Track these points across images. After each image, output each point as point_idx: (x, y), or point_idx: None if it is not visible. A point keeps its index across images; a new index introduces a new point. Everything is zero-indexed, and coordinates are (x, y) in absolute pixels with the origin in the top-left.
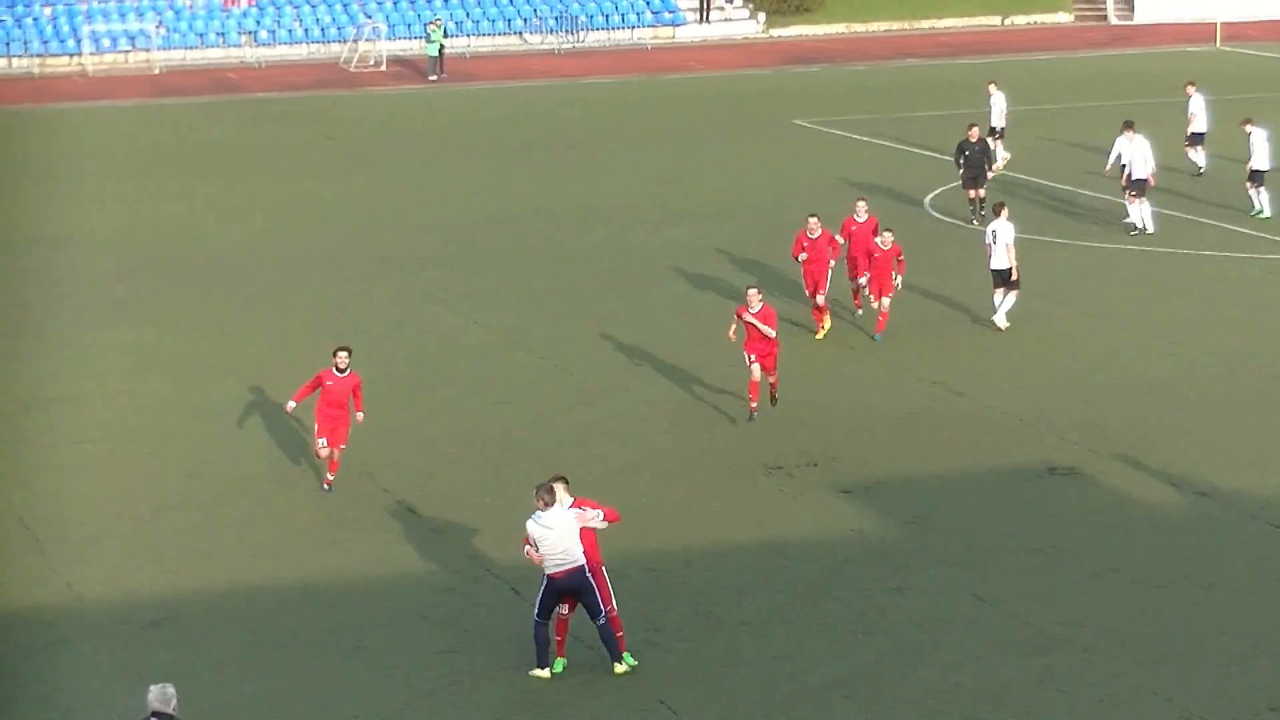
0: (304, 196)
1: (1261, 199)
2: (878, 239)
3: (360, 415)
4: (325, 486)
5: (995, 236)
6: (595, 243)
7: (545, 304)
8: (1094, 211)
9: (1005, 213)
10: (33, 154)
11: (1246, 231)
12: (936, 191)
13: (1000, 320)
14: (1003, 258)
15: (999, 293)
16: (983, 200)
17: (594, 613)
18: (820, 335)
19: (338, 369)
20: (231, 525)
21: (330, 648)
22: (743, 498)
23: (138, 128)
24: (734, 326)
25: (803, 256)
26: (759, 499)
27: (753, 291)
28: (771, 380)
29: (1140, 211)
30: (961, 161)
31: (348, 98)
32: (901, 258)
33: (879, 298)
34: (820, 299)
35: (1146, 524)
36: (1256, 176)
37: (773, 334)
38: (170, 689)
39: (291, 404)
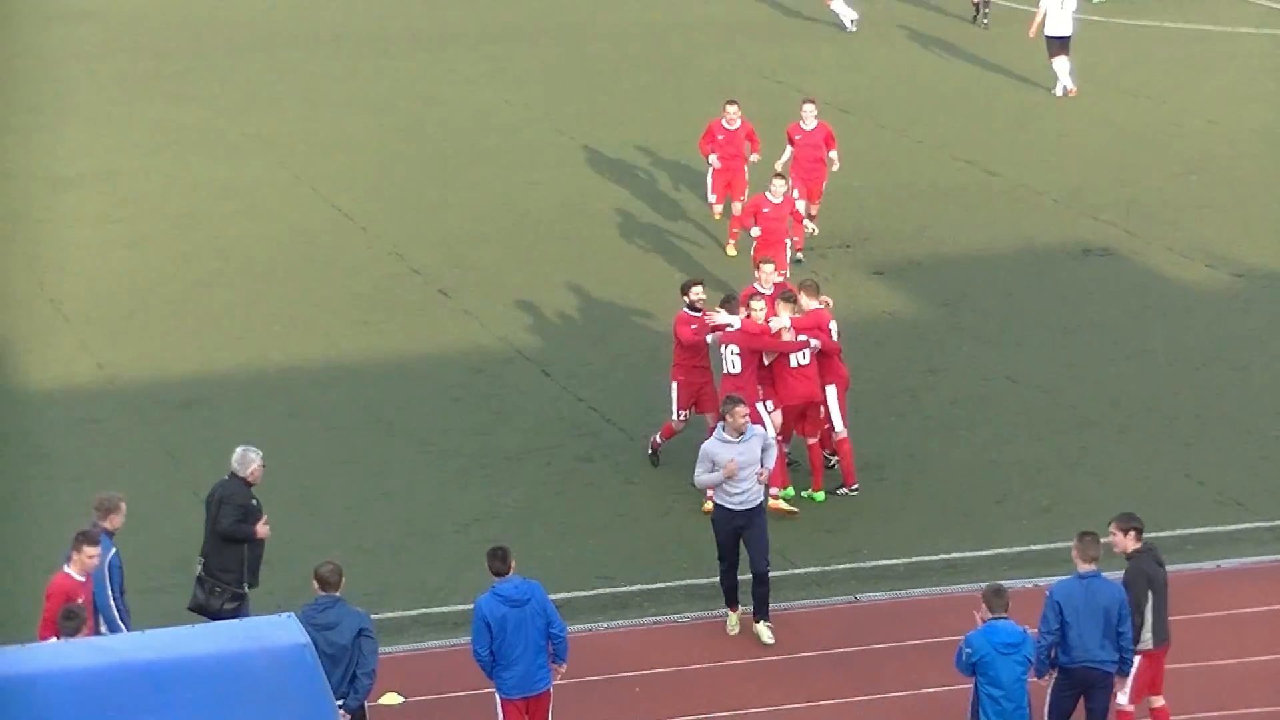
0: None
1: None
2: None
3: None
4: None
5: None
6: (621, 19)
7: (573, 81)
8: None
9: None
10: None
11: None
12: None
13: (1067, 83)
14: (1067, 22)
15: (1060, 60)
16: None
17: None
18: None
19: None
20: (263, 305)
21: (365, 424)
22: None
23: None
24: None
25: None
26: (793, 280)
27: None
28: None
29: None
30: None
31: None
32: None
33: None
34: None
35: (1182, 304)
36: None
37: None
38: (252, 453)
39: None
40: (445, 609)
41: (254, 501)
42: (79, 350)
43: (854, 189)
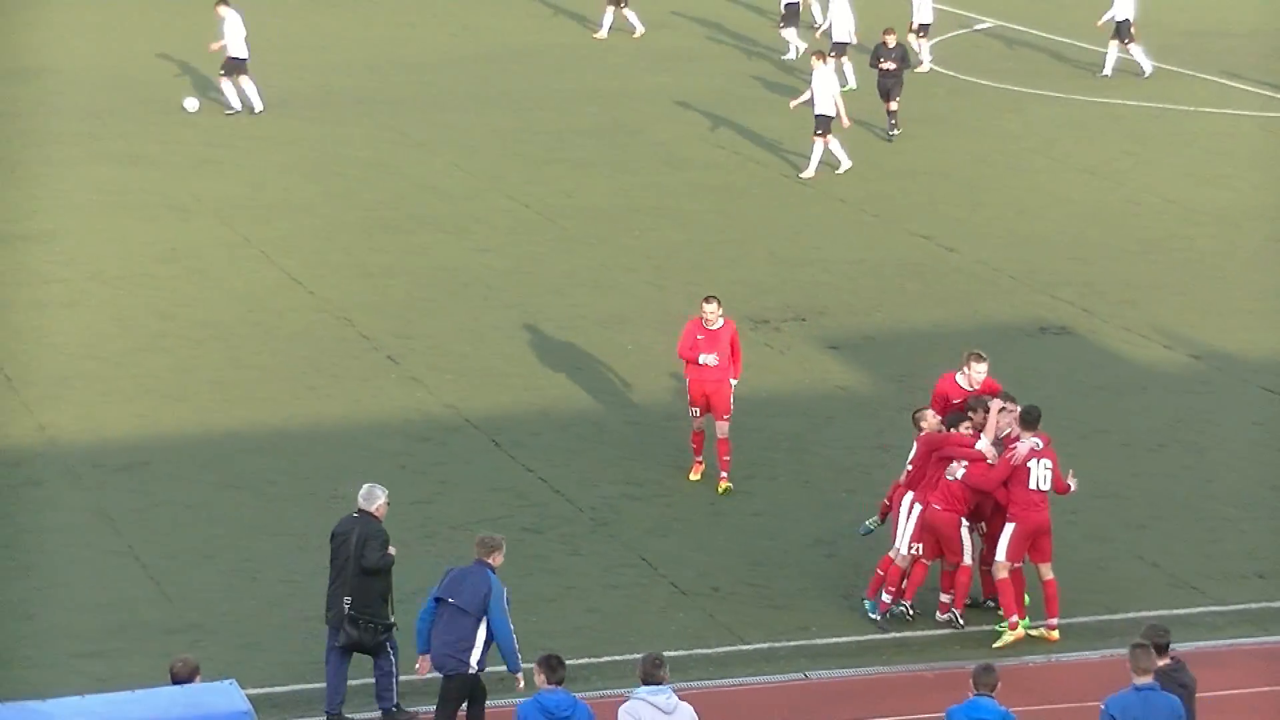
0: (274, 33)
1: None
2: None
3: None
4: None
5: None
6: (577, 86)
7: (523, 148)
8: (1090, 65)
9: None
10: None
11: (1245, 88)
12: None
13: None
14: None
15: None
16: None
17: None
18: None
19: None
20: (205, 369)
21: (305, 494)
22: None
23: None
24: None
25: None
26: (745, 352)
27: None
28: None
29: (1127, 55)
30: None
31: None
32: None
33: None
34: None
35: (1138, 385)
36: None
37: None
38: (378, 489)
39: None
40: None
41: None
42: (21, 411)
43: (810, 262)
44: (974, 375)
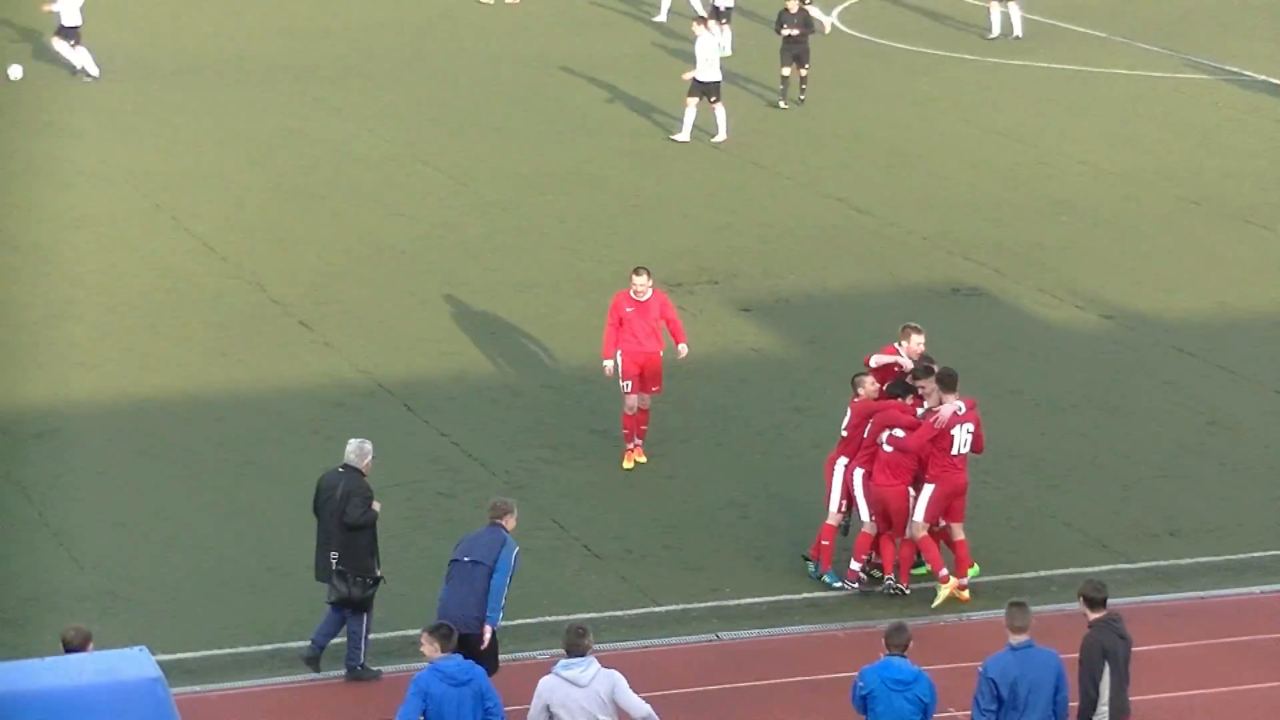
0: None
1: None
2: None
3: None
4: None
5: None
6: (494, 52)
7: (439, 114)
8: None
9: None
10: None
11: (1156, 49)
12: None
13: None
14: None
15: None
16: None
17: None
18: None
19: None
20: (118, 336)
21: (220, 461)
22: None
23: None
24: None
25: None
26: None
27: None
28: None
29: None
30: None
31: None
32: None
33: None
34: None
35: (1051, 346)
36: None
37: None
38: (367, 445)
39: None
40: (300, 644)
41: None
42: None
43: (723, 225)
44: (913, 347)
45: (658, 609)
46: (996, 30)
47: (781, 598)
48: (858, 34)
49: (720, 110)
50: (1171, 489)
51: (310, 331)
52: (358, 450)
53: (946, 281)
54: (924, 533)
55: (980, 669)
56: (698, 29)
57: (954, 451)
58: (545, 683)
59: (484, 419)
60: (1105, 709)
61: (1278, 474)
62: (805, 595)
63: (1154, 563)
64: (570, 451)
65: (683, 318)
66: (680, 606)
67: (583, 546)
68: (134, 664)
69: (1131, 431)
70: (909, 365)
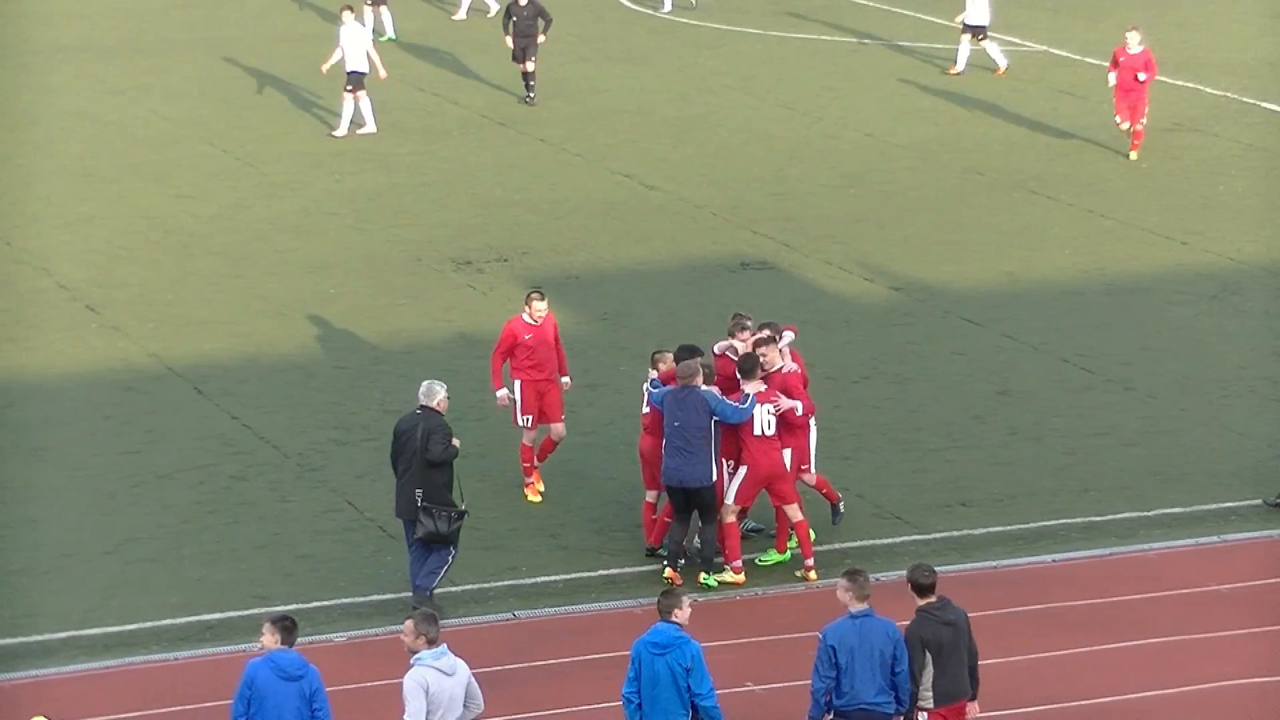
0: None
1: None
2: None
3: None
4: None
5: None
6: (277, 30)
7: (224, 93)
8: (787, 2)
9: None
10: None
11: (941, 21)
12: None
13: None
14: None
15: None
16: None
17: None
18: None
19: None
20: None
21: (9, 447)
22: (433, 293)
23: None
24: None
25: None
26: (449, 294)
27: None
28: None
29: None
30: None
31: None
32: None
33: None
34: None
35: (840, 317)
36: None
37: None
38: (437, 385)
39: None
40: (95, 631)
41: None
42: None
43: (512, 202)
44: (736, 344)
45: (454, 589)
46: None
47: (578, 575)
48: (642, 9)
49: (364, 103)
50: (963, 459)
51: (98, 315)
52: (428, 391)
53: (735, 255)
54: (731, 517)
55: (820, 635)
56: (344, 16)
57: (756, 432)
58: (416, 676)
59: (276, 401)
60: (929, 693)
61: (1067, 442)
62: (601, 572)
63: (948, 534)
64: (363, 432)
65: (472, 296)
66: (476, 586)
67: (378, 528)
68: None
69: (922, 402)
70: (742, 349)
